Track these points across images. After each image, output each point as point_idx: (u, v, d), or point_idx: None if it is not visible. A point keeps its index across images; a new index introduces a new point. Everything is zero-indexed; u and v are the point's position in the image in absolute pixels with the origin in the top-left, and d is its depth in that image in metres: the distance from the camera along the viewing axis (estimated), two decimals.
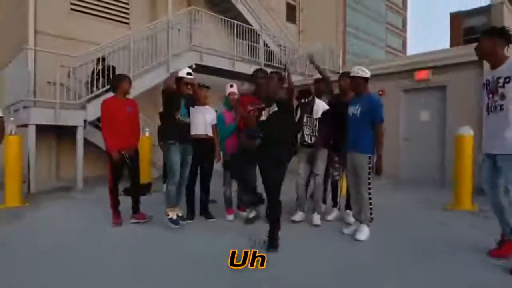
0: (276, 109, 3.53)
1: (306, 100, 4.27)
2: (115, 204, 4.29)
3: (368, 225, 3.75)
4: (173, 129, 3.99)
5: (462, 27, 25.01)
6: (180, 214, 4.13)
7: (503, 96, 2.82)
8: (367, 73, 3.75)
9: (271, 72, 3.90)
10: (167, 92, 3.93)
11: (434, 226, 4.27)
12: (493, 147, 2.94)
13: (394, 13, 55.48)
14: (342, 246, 3.53)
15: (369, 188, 3.71)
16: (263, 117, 3.65)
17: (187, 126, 4.11)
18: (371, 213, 3.78)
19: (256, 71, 4.53)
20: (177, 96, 3.99)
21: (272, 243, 3.36)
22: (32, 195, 6.09)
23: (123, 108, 4.27)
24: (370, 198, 3.74)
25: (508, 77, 2.79)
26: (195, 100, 4.27)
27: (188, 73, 4.03)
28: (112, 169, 4.24)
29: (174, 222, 3.96)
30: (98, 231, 4.02)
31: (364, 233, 3.70)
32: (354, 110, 3.77)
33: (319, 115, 4.29)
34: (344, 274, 2.85)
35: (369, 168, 3.66)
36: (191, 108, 4.37)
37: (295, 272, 2.87)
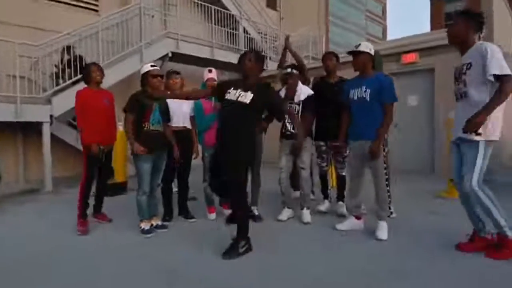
0: (251, 96, 2.94)
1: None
2: (83, 207, 3.79)
3: (386, 221, 3.38)
4: (142, 140, 3.46)
5: (443, 12, 25.14)
6: (157, 223, 3.71)
7: (465, 83, 2.74)
8: (372, 51, 3.38)
9: (248, 51, 3.25)
10: (130, 99, 3.52)
11: (428, 216, 4.01)
12: (458, 134, 2.79)
13: (373, 1, 55.52)
14: (337, 245, 3.19)
15: (386, 179, 3.38)
16: None
17: (159, 134, 3.59)
18: (390, 207, 3.48)
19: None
20: (143, 100, 3.50)
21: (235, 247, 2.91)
22: None
23: (98, 99, 3.89)
24: (388, 191, 3.44)
25: (469, 63, 2.71)
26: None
27: (152, 65, 3.61)
28: (88, 166, 3.82)
29: (146, 232, 3.55)
30: (68, 239, 3.51)
31: (385, 230, 3.31)
32: (360, 93, 3.35)
33: (301, 99, 3.85)
34: (344, 274, 2.52)
35: (384, 156, 3.36)
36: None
37: (291, 274, 2.52)
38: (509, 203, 3.15)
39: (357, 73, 3.49)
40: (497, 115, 2.63)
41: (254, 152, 3.21)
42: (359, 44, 3.42)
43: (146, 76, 3.55)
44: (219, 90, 3.16)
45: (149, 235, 3.52)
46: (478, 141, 2.64)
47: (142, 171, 3.50)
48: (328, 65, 4.10)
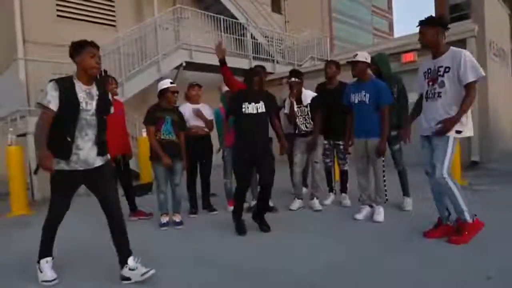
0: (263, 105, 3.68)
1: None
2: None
3: (383, 206, 3.91)
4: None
5: (447, 4, 25.18)
6: (175, 220, 4.15)
7: (442, 84, 3.01)
8: (368, 59, 3.86)
9: (258, 69, 4.10)
10: (148, 112, 4.06)
11: (428, 202, 4.21)
12: (431, 130, 3.10)
13: None
14: (350, 230, 3.66)
15: (383, 171, 3.90)
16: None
17: (171, 143, 4.04)
18: (385, 194, 4.03)
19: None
20: (156, 114, 4.00)
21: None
22: (37, 202, 6.19)
23: (115, 111, 4.05)
24: (384, 181, 3.95)
25: (448, 67, 2.98)
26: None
27: (171, 82, 4.13)
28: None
29: (163, 225, 4.07)
30: (102, 236, 4.04)
31: (381, 214, 3.85)
32: (360, 97, 3.81)
33: (308, 101, 4.39)
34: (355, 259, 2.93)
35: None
36: (186, 108, 4.51)
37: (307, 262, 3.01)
38: None
39: None
40: (468, 114, 3.05)
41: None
42: (356, 54, 3.89)
43: (165, 91, 4.03)
44: (235, 105, 3.68)
45: (165, 228, 4.04)
46: (449, 135, 3.01)
47: (158, 175, 4.08)
48: (328, 73, 4.61)
